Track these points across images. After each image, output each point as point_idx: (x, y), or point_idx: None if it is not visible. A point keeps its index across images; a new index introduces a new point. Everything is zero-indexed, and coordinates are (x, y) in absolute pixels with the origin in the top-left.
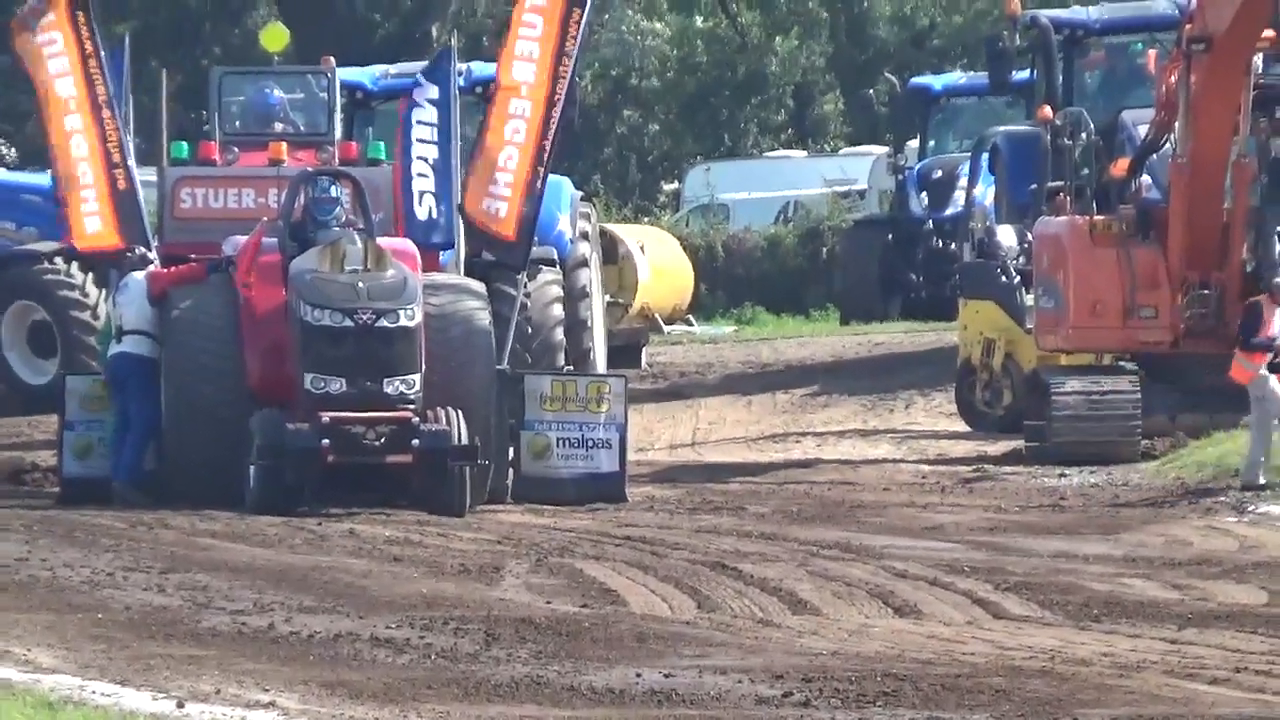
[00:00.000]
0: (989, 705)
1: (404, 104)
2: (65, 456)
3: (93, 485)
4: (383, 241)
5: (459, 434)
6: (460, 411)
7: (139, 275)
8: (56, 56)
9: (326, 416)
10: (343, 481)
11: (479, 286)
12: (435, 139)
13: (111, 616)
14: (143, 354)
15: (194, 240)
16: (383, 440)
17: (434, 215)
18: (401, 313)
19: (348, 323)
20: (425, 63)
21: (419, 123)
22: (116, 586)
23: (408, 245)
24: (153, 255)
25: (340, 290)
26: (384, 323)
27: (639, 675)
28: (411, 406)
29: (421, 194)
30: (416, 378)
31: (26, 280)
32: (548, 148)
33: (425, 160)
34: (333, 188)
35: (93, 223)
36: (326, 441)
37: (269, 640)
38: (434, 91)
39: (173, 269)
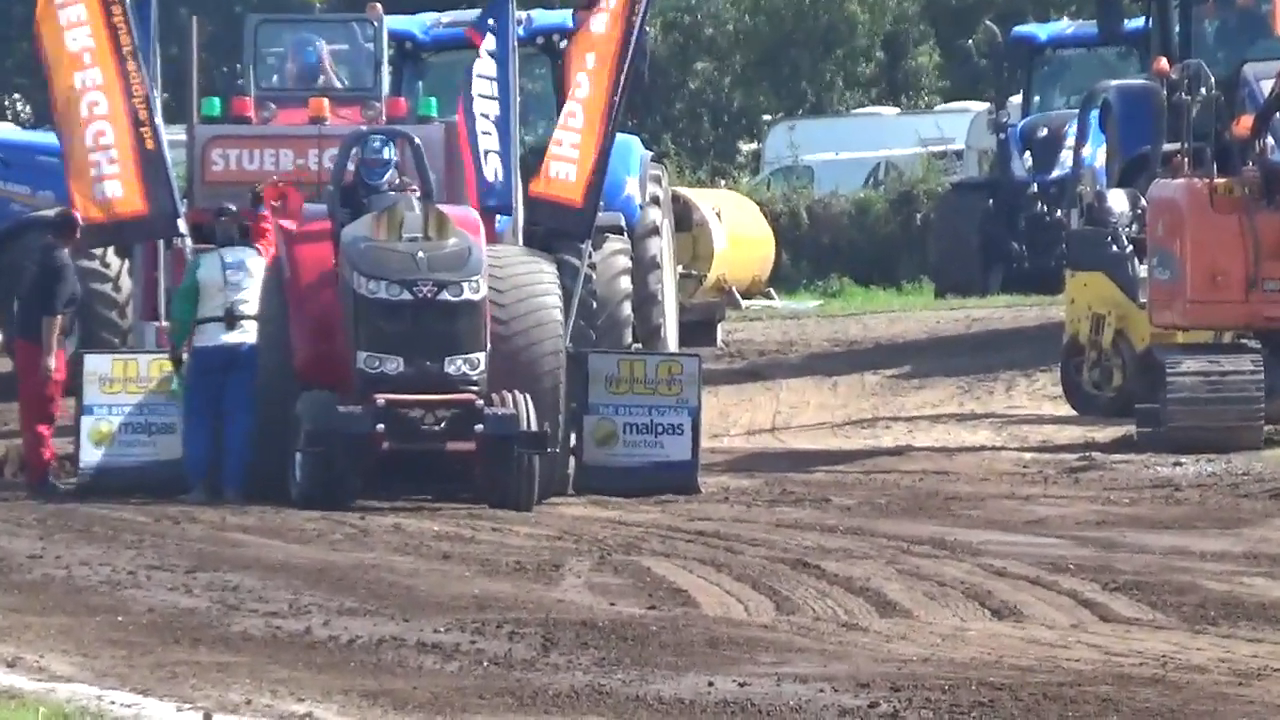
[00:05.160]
0: (1095, 716)
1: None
2: (83, 444)
3: (113, 475)
4: (444, 208)
5: (527, 419)
6: (528, 395)
7: (257, 258)
8: (71, 4)
9: (381, 399)
10: (399, 471)
11: (548, 258)
12: (495, 94)
13: (133, 620)
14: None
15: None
16: (443, 425)
17: (498, 177)
18: (465, 285)
19: (405, 296)
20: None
21: (479, 76)
22: (138, 587)
23: (470, 212)
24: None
25: (397, 260)
26: (445, 296)
27: (711, 684)
28: (475, 389)
29: (486, 153)
30: (481, 357)
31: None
32: (616, 104)
33: (487, 117)
34: (386, 148)
35: (113, 187)
36: (381, 426)
37: (305, 645)
38: (492, 43)
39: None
